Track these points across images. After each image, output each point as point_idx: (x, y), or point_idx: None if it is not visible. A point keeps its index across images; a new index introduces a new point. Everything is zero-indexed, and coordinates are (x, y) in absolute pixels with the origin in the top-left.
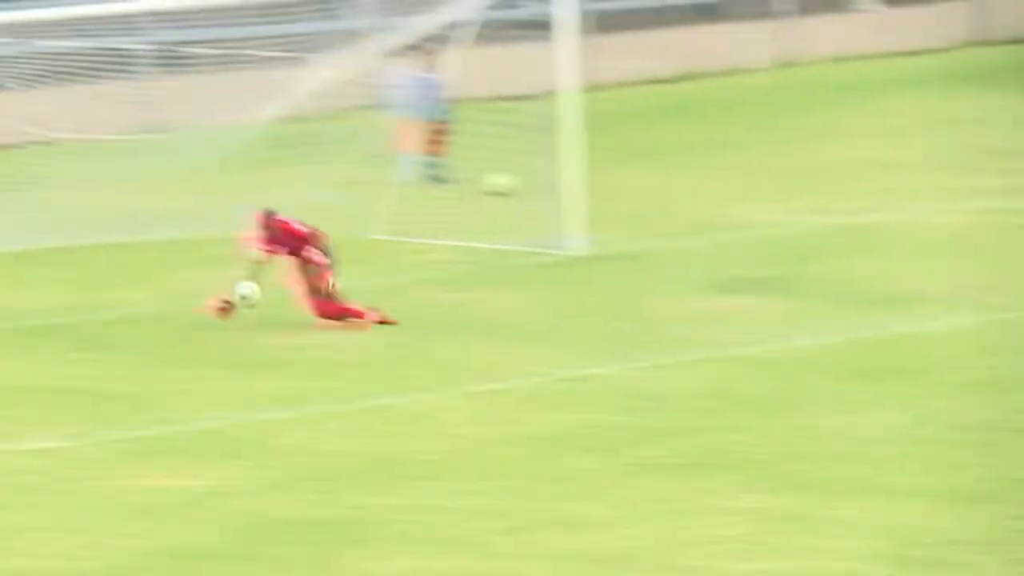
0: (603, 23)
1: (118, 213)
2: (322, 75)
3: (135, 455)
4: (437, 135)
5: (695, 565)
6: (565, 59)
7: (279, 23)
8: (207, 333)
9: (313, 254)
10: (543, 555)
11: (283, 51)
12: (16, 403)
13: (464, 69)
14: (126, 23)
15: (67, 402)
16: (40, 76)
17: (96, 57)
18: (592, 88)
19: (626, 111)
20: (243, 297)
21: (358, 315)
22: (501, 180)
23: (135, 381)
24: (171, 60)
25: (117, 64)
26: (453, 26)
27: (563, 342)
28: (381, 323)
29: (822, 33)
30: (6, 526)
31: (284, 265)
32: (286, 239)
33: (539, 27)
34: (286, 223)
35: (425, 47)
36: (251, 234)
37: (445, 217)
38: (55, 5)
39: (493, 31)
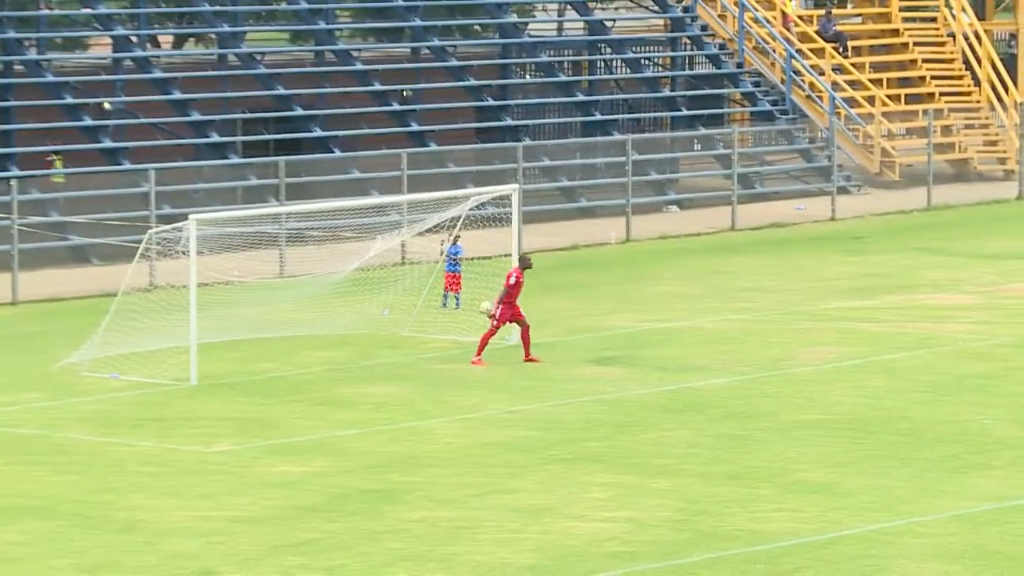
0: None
1: (273, 321)
2: (380, 247)
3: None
4: (455, 280)
5: (576, 513)
6: (513, 238)
7: (359, 218)
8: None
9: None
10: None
11: (363, 233)
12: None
13: (465, 242)
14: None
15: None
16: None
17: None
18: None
19: (547, 267)
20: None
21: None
22: (485, 304)
23: (274, 413)
24: (299, 238)
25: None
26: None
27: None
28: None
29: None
30: (199, 494)
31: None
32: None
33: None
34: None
35: (451, 229)
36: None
37: (447, 324)
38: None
39: (476, 221)
